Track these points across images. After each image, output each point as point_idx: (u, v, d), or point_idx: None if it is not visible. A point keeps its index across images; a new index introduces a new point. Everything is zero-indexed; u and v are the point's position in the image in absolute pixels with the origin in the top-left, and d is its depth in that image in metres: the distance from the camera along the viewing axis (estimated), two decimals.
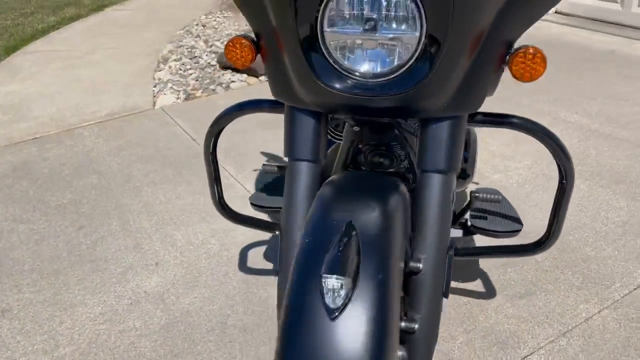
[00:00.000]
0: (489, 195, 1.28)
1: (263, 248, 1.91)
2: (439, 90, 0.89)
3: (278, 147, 2.63)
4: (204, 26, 4.80)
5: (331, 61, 0.88)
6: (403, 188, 0.96)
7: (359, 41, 0.86)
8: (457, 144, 0.97)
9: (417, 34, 0.83)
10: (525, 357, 1.44)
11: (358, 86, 0.89)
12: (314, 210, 0.89)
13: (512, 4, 0.86)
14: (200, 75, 3.62)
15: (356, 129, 1.18)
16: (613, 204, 2.06)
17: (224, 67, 3.69)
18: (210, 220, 2.08)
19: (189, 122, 3.00)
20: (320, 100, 0.93)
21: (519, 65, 0.91)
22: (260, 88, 3.45)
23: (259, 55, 1.02)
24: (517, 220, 1.37)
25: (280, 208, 1.45)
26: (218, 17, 5.08)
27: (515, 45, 0.92)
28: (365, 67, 0.88)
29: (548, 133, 1.07)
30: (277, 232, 1.25)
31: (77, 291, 1.75)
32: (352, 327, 0.74)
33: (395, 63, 0.87)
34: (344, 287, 0.75)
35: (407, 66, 0.86)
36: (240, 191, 2.22)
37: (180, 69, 3.76)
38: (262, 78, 3.57)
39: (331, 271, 0.76)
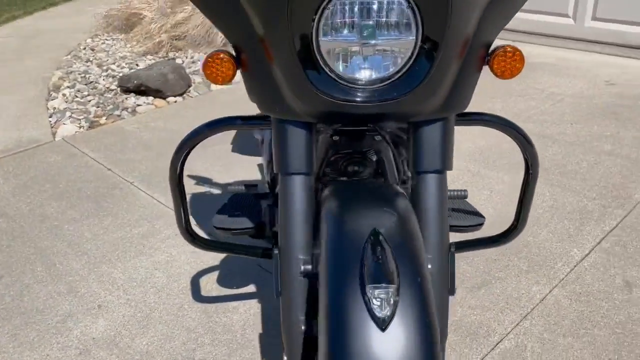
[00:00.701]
0: (456, 192, 1.33)
1: (215, 274, 1.82)
2: (434, 92, 0.90)
3: (205, 169, 2.53)
4: (92, 50, 4.52)
5: (327, 69, 0.86)
6: (403, 192, 0.97)
7: (355, 48, 0.85)
8: (450, 143, 0.99)
9: (413, 38, 0.84)
10: (497, 343, 1.49)
11: (356, 93, 0.87)
12: (331, 224, 0.86)
13: (494, 5, 0.90)
14: (101, 101, 3.40)
15: (335, 138, 1.16)
16: (537, 191, 2.23)
17: (126, 91, 3.49)
18: (148, 252, 1.94)
19: (99, 151, 2.79)
20: (316, 110, 0.91)
21: (500, 64, 0.95)
22: (170, 111, 3.31)
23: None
24: (479, 214, 1.43)
25: (249, 228, 1.40)
26: (106, 39, 4.81)
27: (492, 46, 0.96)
28: (362, 74, 0.87)
29: (516, 128, 1.12)
30: (262, 254, 1.20)
31: (12, 349, 1.55)
32: (403, 335, 0.72)
33: (391, 68, 0.87)
34: (391, 295, 0.73)
35: (403, 71, 0.86)
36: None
37: (77, 96, 3.50)
38: (171, 99, 3.42)
39: (377, 281, 0.73)
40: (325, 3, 0.80)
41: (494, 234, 1.30)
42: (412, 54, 0.85)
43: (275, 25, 0.84)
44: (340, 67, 0.86)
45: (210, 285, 1.77)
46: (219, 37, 4.26)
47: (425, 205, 0.98)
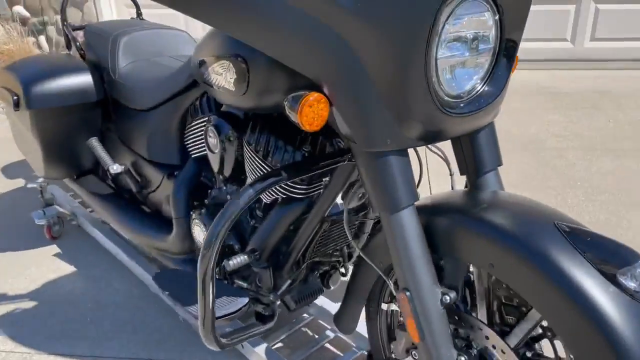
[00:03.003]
0: None
1: None
2: (505, 94, 0.99)
3: None
4: None
5: (440, 85, 0.89)
6: None
7: (463, 61, 0.90)
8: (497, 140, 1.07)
9: (492, 45, 0.91)
10: None
11: (464, 105, 0.93)
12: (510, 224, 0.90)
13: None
14: None
15: None
16: None
17: None
18: None
19: None
20: (428, 130, 0.90)
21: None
22: None
23: None
24: None
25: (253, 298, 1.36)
26: None
27: None
28: (467, 86, 0.92)
29: None
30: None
31: None
32: None
33: (481, 74, 0.94)
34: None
35: (490, 76, 0.94)
36: None
37: None
38: None
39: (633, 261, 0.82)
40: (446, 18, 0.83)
41: None
42: (495, 59, 0.93)
43: (404, 50, 0.82)
44: (450, 81, 0.90)
45: None
46: None
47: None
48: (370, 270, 1.18)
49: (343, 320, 1.34)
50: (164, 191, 1.67)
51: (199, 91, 1.43)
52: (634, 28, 4.35)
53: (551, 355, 1.01)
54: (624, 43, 4.47)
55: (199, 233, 1.48)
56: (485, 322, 1.02)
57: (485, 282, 1.02)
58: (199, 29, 4.48)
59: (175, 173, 1.59)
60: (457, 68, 0.89)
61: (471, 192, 1.05)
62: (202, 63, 1.21)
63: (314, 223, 1.24)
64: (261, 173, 1.22)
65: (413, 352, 1.14)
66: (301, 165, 1.11)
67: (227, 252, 1.40)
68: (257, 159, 1.24)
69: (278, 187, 1.23)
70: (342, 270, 1.53)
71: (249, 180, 1.33)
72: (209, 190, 1.49)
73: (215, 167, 1.36)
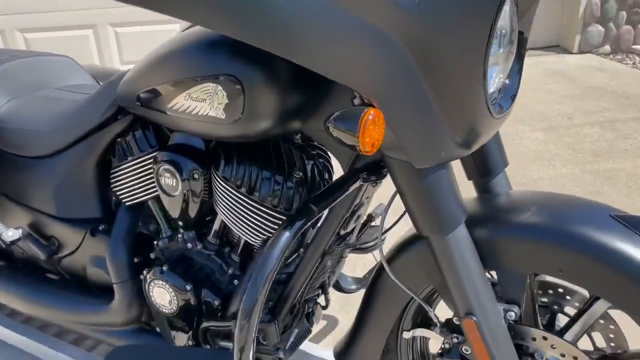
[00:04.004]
0: None
1: None
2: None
3: None
4: None
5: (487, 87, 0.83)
6: None
7: (497, 59, 0.85)
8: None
9: (514, 39, 0.88)
10: None
11: (499, 104, 0.90)
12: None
13: None
14: None
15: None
16: None
17: None
18: None
19: None
20: (475, 138, 0.86)
21: None
22: None
23: None
24: None
25: None
26: None
27: None
28: (496, 83, 0.88)
29: None
30: None
31: None
32: None
33: (507, 71, 0.91)
34: None
35: (510, 72, 0.92)
36: None
37: None
38: None
39: None
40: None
41: None
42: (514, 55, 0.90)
43: (465, 52, 0.77)
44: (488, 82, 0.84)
45: None
46: None
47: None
48: (397, 298, 1.08)
49: (355, 358, 1.20)
50: (86, 252, 1.36)
51: (120, 126, 1.20)
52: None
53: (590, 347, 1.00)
54: None
55: (163, 296, 1.21)
56: (542, 329, 0.97)
57: (529, 289, 0.97)
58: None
59: (101, 228, 1.31)
60: (491, 66, 0.84)
61: (493, 197, 1.02)
62: (152, 93, 1.02)
63: (315, 257, 1.10)
64: (246, 211, 1.05)
65: None
66: (326, 194, 0.97)
67: (204, 313, 1.18)
68: (238, 195, 1.05)
69: (268, 224, 1.05)
70: (322, 303, 1.39)
71: (218, 221, 1.14)
72: (155, 242, 1.24)
73: (174, 211, 1.14)
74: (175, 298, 1.17)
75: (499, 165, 1.03)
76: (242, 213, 1.05)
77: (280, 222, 1.01)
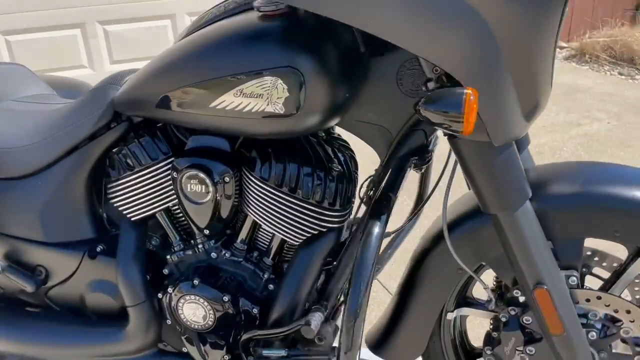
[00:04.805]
0: None
1: None
2: None
3: None
4: None
5: None
6: None
7: None
8: None
9: None
10: None
11: None
12: None
13: None
14: None
15: None
16: None
17: None
18: None
19: None
20: (538, 109, 0.90)
21: None
22: None
23: None
24: None
25: None
26: None
27: None
28: None
29: None
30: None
31: None
32: None
33: None
34: None
35: None
36: None
37: None
38: None
39: None
40: None
41: None
42: None
43: (545, 26, 0.81)
44: None
45: None
46: None
47: None
48: (447, 279, 1.10)
49: (397, 348, 1.17)
50: (84, 278, 1.22)
51: (114, 136, 1.11)
52: (145, 48, 3.87)
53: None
54: (140, 63, 3.97)
55: (196, 312, 1.12)
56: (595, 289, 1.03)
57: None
58: None
59: (99, 249, 1.19)
60: None
61: (530, 171, 1.03)
62: (183, 94, 0.97)
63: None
64: (288, 210, 1.02)
65: (528, 349, 1.07)
66: (392, 181, 0.99)
67: (243, 324, 1.11)
68: (278, 195, 1.02)
69: (314, 221, 1.03)
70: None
71: (247, 225, 1.10)
72: (168, 256, 1.16)
73: (202, 220, 1.07)
74: (211, 312, 1.10)
75: (525, 142, 1.05)
76: (284, 213, 1.03)
77: (325, 219, 1.02)
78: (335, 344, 1.04)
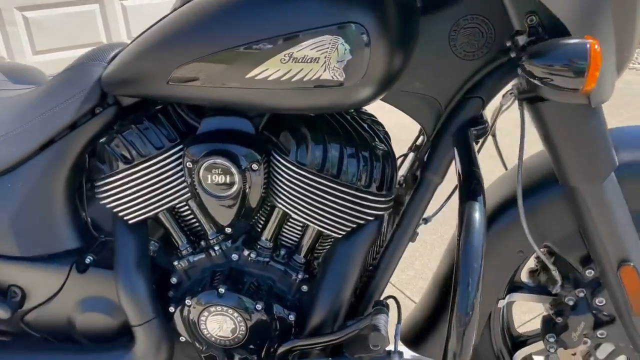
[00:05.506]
0: None
1: None
2: None
3: None
4: None
5: None
6: None
7: None
8: None
9: None
10: None
11: None
12: None
13: None
14: None
15: None
16: None
17: None
18: None
19: None
20: (625, 67, 0.85)
21: None
22: None
23: None
24: None
25: None
26: None
27: None
28: None
29: None
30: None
31: None
32: None
33: None
34: None
35: None
36: None
37: None
38: None
39: None
40: None
41: None
42: None
43: None
44: None
45: None
46: None
47: None
48: (507, 263, 1.02)
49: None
50: (71, 296, 1.05)
51: (99, 123, 0.95)
52: (71, 36, 3.63)
53: None
54: (66, 53, 3.58)
55: (223, 326, 0.98)
56: None
57: None
58: None
59: (88, 260, 1.02)
60: None
61: None
62: (205, 65, 0.81)
63: (406, 237, 0.97)
64: (331, 198, 0.90)
65: (599, 332, 1.01)
66: (435, 154, 0.92)
67: (278, 334, 0.99)
68: (319, 181, 0.90)
69: (361, 209, 0.92)
70: None
71: (275, 219, 0.96)
72: (176, 262, 1.01)
73: (224, 217, 0.93)
74: (242, 324, 0.97)
75: None
76: (325, 202, 0.91)
77: (373, 205, 0.91)
78: (390, 347, 0.92)
